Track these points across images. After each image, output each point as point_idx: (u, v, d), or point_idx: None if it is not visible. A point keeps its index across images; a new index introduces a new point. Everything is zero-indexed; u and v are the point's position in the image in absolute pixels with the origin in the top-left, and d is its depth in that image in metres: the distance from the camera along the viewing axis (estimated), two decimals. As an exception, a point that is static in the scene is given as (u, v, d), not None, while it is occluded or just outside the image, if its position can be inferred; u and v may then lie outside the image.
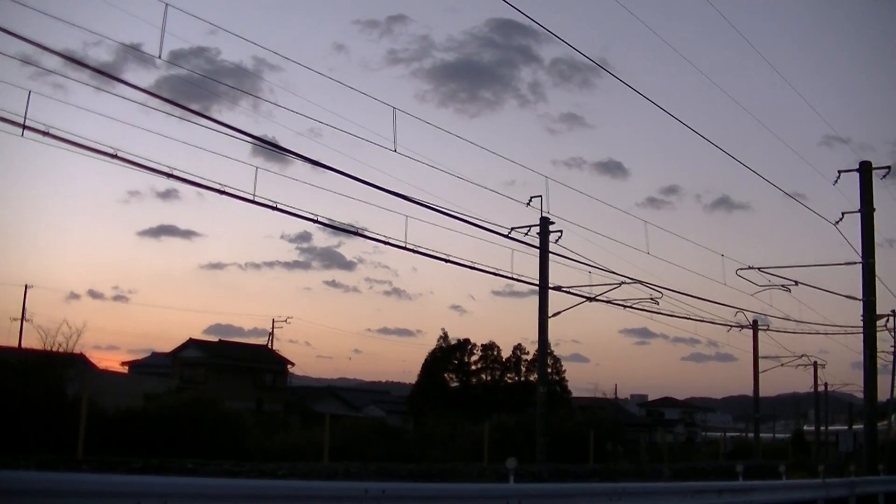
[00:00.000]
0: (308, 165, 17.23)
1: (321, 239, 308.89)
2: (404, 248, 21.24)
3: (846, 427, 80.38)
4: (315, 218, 18.39)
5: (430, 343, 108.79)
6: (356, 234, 18.82)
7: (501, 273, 28.25)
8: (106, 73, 14.48)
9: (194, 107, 15.73)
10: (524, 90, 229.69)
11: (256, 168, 17.87)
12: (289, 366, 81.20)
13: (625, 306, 36.34)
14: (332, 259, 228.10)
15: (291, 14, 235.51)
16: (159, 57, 15.07)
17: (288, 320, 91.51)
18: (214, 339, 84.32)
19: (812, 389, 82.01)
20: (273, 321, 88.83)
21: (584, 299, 36.20)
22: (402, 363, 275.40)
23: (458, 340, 77.40)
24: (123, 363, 79.95)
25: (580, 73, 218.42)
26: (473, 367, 76.97)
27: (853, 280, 33.09)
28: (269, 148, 18.24)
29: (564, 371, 78.29)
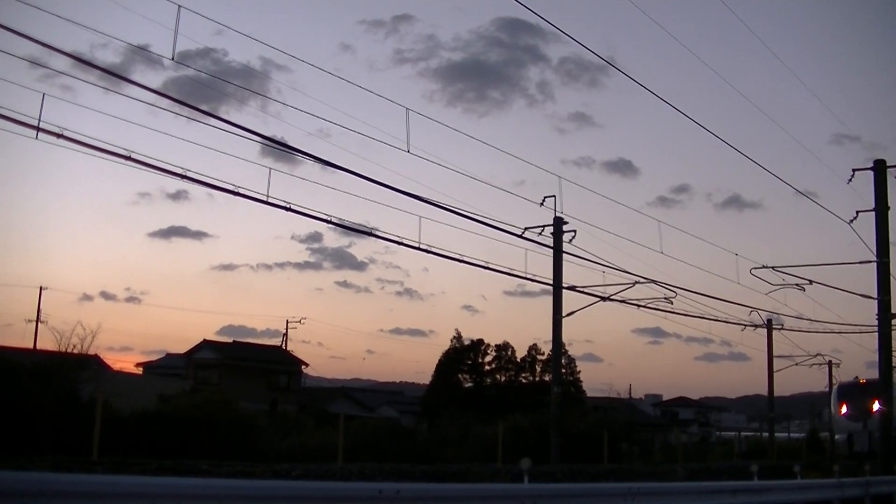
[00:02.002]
0: (317, 166, 17.27)
1: (332, 239, 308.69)
2: (418, 249, 21.27)
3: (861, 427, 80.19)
4: (328, 218, 18.45)
5: (443, 343, 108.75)
6: (370, 234, 18.86)
7: (516, 273, 28.27)
8: (115, 74, 14.53)
9: (203, 108, 15.75)
10: (532, 90, 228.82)
11: (270, 169, 17.99)
12: (303, 366, 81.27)
13: (639, 306, 36.32)
14: (343, 260, 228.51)
15: (296, 15, 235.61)
16: (172, 59, 15.12)
17: (302, 321, 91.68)
18: (228, 339, 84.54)
19: (827, 389, 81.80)
20: (287, 322, 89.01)
21: (598, 299, 36.18)
22: (416, 364, 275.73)
23: (472, 341, 77.29)
24: (137, 364, 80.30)
25: (588, 72, 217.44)
26: (487, 368, 76.85)
27: (868, 279, 33.03)
28: (280, 148, 18.26)
29: (579, 371, 78.17)
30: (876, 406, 46.72)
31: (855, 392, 50.43)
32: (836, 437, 55.22)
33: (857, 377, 54.95)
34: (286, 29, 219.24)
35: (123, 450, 25.04)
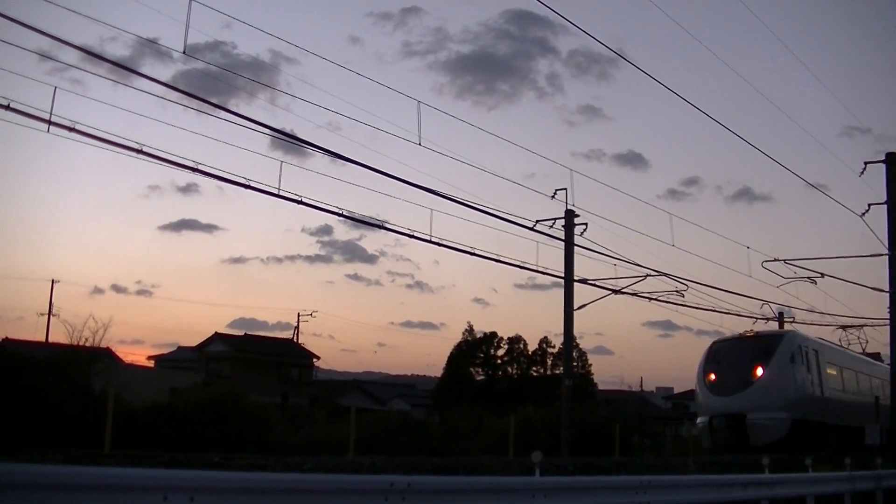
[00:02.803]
0: (327, 158, 17.27)
1: (342, 232, 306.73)
2: (429, 242, 21.28)
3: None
4: (339, 211, 18.47)
5: (454, 336, 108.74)
6: (381, 227, 18.85)
7: (528, 266, 28.29)
8: (125, 67, 14.55)
9: (213, 100, 15.78)
10: (542, 82, 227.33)
11: (281, 162, 18.03)
12: (314, 359, 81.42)
13: (650, 299, 36.28)
14: (353, 252, 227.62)
15: (304, 7, 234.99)
16: (184, 52, 15.15)
17: (313, 314, 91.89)
18: (239, 332, 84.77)
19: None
20: (298, 315, 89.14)
21: (610, 292, 36.20)
22: (427, 356, 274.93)
23: (484, 334, 77.38)
24: (149, 357, 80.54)
25: (598, 64, 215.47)
26: (499, 361, 76.94)
27: (879, 272, 33.00)
28: (291, 141, 18.28)
29: (590, 364, 78.31)
30: (760, 371, 36.20)
31: (732, 353, 38.12)
32: (699, 420, 39.45)
33: (744, 332, 39.70)
34: (294, 22, 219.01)
35: (135, 443, 25.12)
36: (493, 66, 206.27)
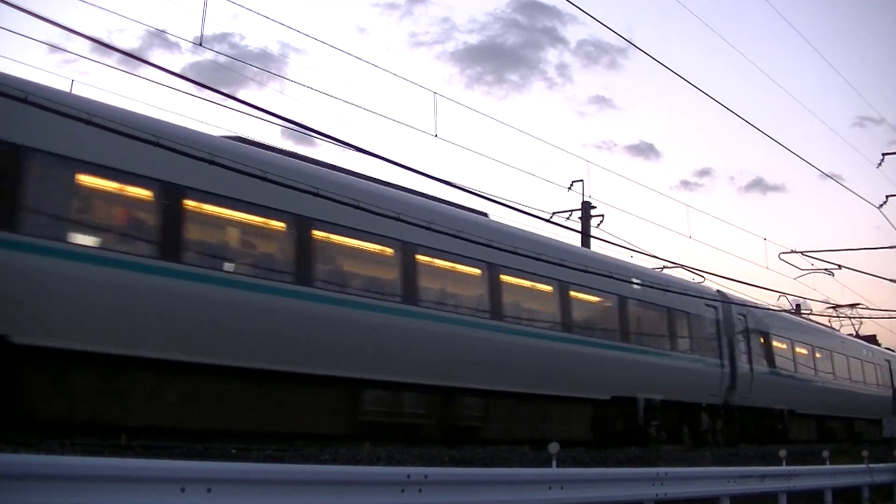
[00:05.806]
0: (338, 149, 17.20)
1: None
2: (444, 234, 21.18)
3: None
4: (356, 204, 18.36)
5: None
6: (397, 220, 18.74)
7: (543, 258, 28.14)
8: (136, 57, 14.48)
9: (223, 90, 15.71)
10: (551, 72, 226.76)
11: (295, 154, 17.90)
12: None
13: (666, 290, 36.08)
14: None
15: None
16: (200, 44, 15.15)
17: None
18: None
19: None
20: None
21: (627, 283, 36.02)
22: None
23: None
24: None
25: (607, 54, 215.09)
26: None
27: (896, 264, 32.86)
28: (301, 131, 18.22)
29: (607, 356, 77.77)
30: None
31: None
32: None
33: None
34: (301, 13, 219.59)
35: (153, 434, 25.11)
36: (501, 56, 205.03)
